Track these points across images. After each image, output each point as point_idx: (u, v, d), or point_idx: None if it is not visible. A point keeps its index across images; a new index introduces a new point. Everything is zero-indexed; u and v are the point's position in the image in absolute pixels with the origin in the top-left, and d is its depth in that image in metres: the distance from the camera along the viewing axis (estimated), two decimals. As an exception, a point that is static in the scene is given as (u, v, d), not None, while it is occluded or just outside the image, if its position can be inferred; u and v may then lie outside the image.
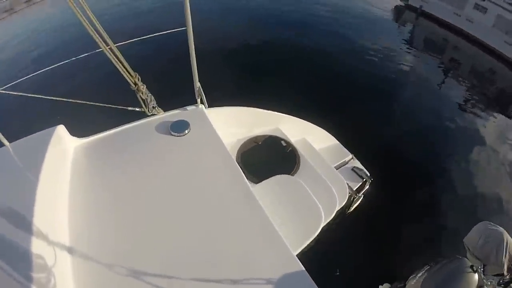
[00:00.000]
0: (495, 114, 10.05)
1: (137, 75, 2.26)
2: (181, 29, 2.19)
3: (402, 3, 18.94)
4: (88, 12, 1.77)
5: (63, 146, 2.22)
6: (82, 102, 2.29)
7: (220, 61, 8.59)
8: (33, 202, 1.60)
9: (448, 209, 5.78)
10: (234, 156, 3.36)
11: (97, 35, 1.82)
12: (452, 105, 9.87)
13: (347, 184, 3.58)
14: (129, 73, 2.18)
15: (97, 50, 2.01)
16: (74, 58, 2.41)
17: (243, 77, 8.22)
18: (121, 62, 2.09)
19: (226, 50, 9.74)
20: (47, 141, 2.05)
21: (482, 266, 2.25)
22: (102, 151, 2.34)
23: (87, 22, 1.74)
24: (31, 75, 2.31)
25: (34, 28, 15.14)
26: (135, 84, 2.26)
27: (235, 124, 3.50)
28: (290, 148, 3.54)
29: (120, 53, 2.07)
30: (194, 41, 2.21)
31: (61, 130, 2.24)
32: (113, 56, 2.00)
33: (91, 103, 2.32)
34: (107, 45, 1.94)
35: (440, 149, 7.48)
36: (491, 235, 2.23)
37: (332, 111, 7.21)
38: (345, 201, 3.35)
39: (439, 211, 5.71)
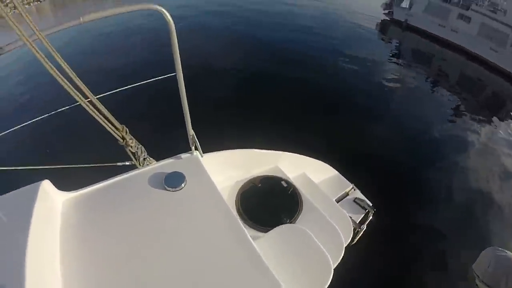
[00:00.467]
0: (488, 118, 10.28)
1: (125, 127, 2.11)
2: (170, 75, 2.09)
3: (387, 18, 19.27)
4: (61, 62, 1.69)
5: (51, 203, 2.05)
6: (63, 166, 2.23)
7: (211, 102, 8.40)
8: (22, 269, 1.47)
9: (452, 230, 5.80)
10: (233, 200, 3.34)
11: (71, 88, 1.71)
12: (445, 115, 10.03)
13: (350, 217, 3.51)
14: (115, 127, 2.06)
15: (75, 104, 1.89)
16: (53, 112, 2.27)
17: (235, 116, 7.97)
18: (104, 116, 1.95)
19: (214, 88, 9.40)
20: (32, 198, 1.84)
21: None
22: (93, 207, 2.18)
23: (58, 74, 1.64)
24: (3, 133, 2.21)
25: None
26: (123, 138, 2.13)
27: (232, 167, 3.45)
28: (292, 189, 3.41)
29: (103, 105, 1.94)
30: (185, 86, 2.14)
31: (46, 185, 2.03)
32: (93, 110, 1.87)
33: (75, 165, 2.25)
34: (86, 98, 1.83)
35: (438, 163, 7.51)
36: (500, 261, 2.20)
37: (328, 140, 7.21)
38: (350, 238, 3.28)
39: (443, 235, 5.71)
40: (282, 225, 2.73)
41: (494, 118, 10.42)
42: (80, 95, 1.75)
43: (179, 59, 1.91)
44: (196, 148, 2.58)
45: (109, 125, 2.00)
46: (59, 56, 1.67)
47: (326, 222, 3.10)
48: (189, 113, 2.37)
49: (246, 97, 8.95)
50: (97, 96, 1.94)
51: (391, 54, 14.72)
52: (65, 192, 2.20)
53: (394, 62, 13.61)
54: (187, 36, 12.76)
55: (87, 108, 1.82)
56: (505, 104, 12.42)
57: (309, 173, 4.01)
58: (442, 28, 16.67)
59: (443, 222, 5.92)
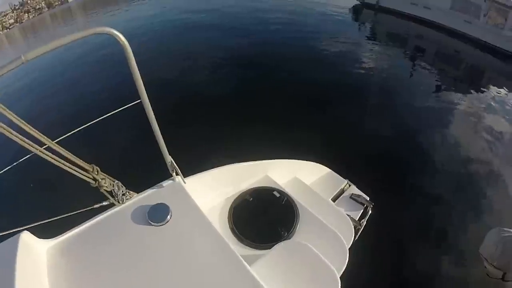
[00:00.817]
0: (469, 88, 10.29)
1: (95, 167, 1.90)
2: (135, 103, 1.91)
3: (358, 2, 19.22)
4: (4, 112, 1.43)
5: (34, 254, 1.93)
6: (36, 224, 1.97)
7: (186, 118, 7.99)
8: None
9: (452, 207, 5.68)
10: (225, 218, 3.10)
11: (21, 138, 1.47)
12: (426, 91, 9.97)
13: (349, 216, 3.33)
14: (83, 169, 1.83)
15: (29, 155, 1.64)
16: (7, 168, 2.01)
17: (216, 128, 7.54)
18: (68, 159, 1.72)
19: (185, 103, 8.85)
20: (13, 253, 1.73)
21: (502, 275, 2.05)
22: (78, 252, 2.06)
23: (2, 126, 1.39)
24: None
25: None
26: (95, 180, 1.89)
27: (220, 185, 3.23)
28: (285, 199, 3.20)
29: (65, 149, 1.71)
30: (153, 111, 1.93)
31: (26, 236, 1.93)
32: (52, 157, 1.62)
33: (47, 220, 1.97)
34: (43, 144, 1.60)
35: (426, 146, 7.32)
36: (507, 242, 2.04)
37: (314, 136, 6.98)
38: (352, 240, 3.07)
39: (444, 223, 5.51)
40: (281, 243, 2.54)
41: (475, 87, 10.40)
42: (33, 144, 1.52)
43: (142, 84, 1.73)
44: (177, 174, 2.44)
45: (76, 168, 1.77)
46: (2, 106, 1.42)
47: (326, 228, 2.90)
48: (164, 137, 2.15)
49: (220, 104, 8.50)
50: (57, 140, 1.72)
51: (367, 38, 14.67)
52: (47, 240, 2.06)
53: (371, 45, 13.57)
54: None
55: (45, 156, 1.59)
56: (484, 72, 12.51)
57: (301, 176, 3.80)
58: (414, 6, 16.59)
59: (442, 202, 5.78)
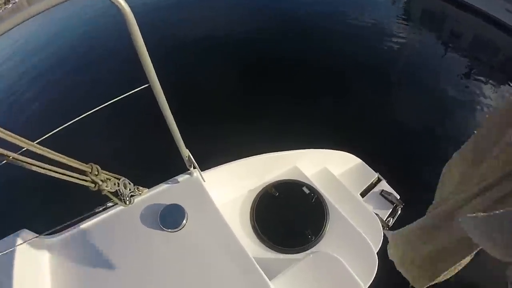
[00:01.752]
0: (503, 82, 9.78)
1: (94, 166, 1.52)
2: (142, 87, 1.52)
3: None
4: None
5: (34, 252, 1.79)
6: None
7: (204, 107, 7.32)
8: None
9: None
10: (247, 215, 2.85)
11: None
12: (457, 80, 9.47)
13: (378, 216, 3.15)
14: (78, 171, 1.46)
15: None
16: None
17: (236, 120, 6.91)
18: (59, 162, 1.35)
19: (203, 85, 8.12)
20: (12, 251, 1.61)
21: None
22: (81, 250, 1.88)
23: None
24: None
25: None
26: (94, 183, 1.53)
27: (244, 178, 2.99)
28: (315, 197, 2.95)
29: (51, 150, 1.32)
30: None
31: (25, 234, 1.79)
32: (30, 162, 1.23)
33: (42, 236, 1.80)
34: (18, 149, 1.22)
35: (454, 132, 7.07)
36: None
37: (343, 123, 6.75)
38: (380, 243, 2.87)
39: None
40: (310, 256, 2.29)
41: (508, 82, 9.84)
42: (5, 152, 1.13)
43: (151, 65, 1.40)
44: (195, 168, 2.23)
45: (68, 172, 1.36)
46: None
47: (356, 234, 2.69)
48: (180, 128, 1.86)
49: (240, 92, 7.83)
50: (38, 140, 1.32)
51: (398, 15, 13.81)
52: (48, 236, 1.92)
53: (403, 24, 12.78)
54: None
55: (21, 163, 1.20)
56: (521, 67, 11.71)
57: (330, 166, 3.58)
58: (454, -13, 15.66)
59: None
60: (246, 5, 12.91)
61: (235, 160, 2.81)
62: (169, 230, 1.91)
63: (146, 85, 1.49)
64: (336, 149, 3.64)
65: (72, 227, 1.98)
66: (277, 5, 12.78)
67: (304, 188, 3.02)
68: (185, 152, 2.05)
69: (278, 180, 3.12)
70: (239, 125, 6.48)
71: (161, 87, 1.53)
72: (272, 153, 3.00)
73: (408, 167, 5.75)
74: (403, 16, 13.72)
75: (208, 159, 2.58)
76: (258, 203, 2.93)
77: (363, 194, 3.60)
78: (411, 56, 10.26)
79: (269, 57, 9.29)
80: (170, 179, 2.22)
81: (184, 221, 1.95)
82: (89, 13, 13.93)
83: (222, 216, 2.03)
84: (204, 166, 2.43)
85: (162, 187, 2.18)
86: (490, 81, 9.56)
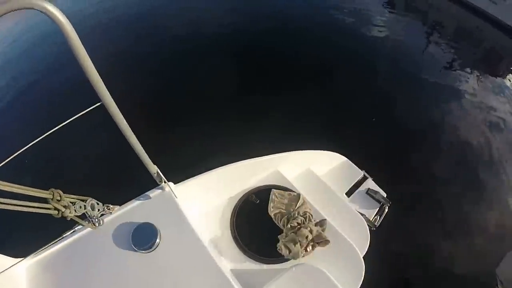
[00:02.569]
0: (485, 72, 9.97)
1: (55, 191, 1.40)
2: (94, 106, 1.38)
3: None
4: None
5: (9, 274, 1.68)
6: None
7: (178, 114, 6.83)
8: None
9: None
10: (228, 224, 2.74)
11: None
12: (440, 69, 9.60)
13: (364, 216, 3.09)
14: (38, 199, 1.35)
15: None
16: None
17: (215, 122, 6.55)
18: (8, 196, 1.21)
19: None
20: None
21: None
22: (51, 275, 1.79)
23: None
24: None
25: None
26: (57, 210, 1.41)
27: (224, 186, 2.87)
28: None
29: (4, 182, 1.22)
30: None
31: None
32: None
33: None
34: None
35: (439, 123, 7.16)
36: None
37: (324, 120, 6.60)
38: (367, 246, 2.83)
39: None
40: (293, 268, 2.21)
41: (492, 72, 10.06)
42: None
43: (101, 81, 1.26)
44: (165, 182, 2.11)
45: (26, 203, 1.25)
46: None
47: (342, 240, 2.64)
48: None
49: (217, 93, 7.30)
50: None
51: (383, 4, 13.84)
52: (21, 259, 1.84)
53: (387, 12, 12.87)
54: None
55: None
56: (503, 58, 11.92)
57: (315, 167, 3.49)
58: (437, -24, 15.67)
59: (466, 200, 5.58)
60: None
61: (215, 168, 2.70)
62: (142, 251, 1.84)
63: (98, 103, 1.36)
64: (322, 149, 3.58)
65: (41, 252, 1.89)
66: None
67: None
68: (153, 169, 1.94)
69: (259, 186, 3.00)
70: (216, 130, 6.25)
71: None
72: (252, 158, 2.89)
73: (395, 164, 5.81)
74: (388, 4, 13.75)
75: (186, 169, 2.50)
76: (238, 212, 2.82)
77: (349, 193, 3.55)
78: (396, 49, 10.30)
79: (245, 58, 8.87)
80: (142, 195, 2.14)
81: (157, 240, 1.88)
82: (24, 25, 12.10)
83: (197, 234, 1.95)
84: (181, 177, 2.35)
85: (134, 204, 2.09)
86: (475, 72, 9.72)
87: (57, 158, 5.74)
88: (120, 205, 2.07)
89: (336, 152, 3.76)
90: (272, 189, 2.92)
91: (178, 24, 10.09)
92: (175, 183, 2.33)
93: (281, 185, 3.00)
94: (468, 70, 9.74)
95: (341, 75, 8.14)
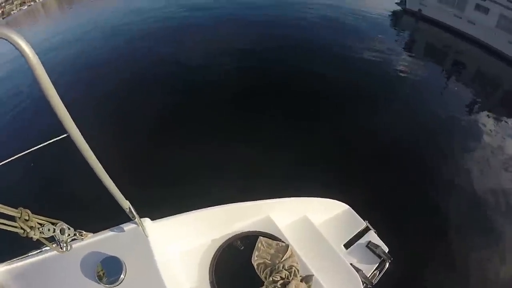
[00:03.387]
0: (505, 116, 9.56)
1: (23, 211, 1.39)
2: (60, 137, 1.31)
3: (399, 8, 18.39)
4: None
5: None
6: None
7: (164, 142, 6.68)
8: None
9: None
10: (207, 269, 2.54)
11: None
12: (459, 112, 9.32)
13: (361, 272, 2.87)
14: (7, 217, 1.33)
15: None
16: None
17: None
18: None
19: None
20: None
21: None
22: None
23: None
24: None
25: None
26: (24, 230, 1.39)
27: (207, 228, 2.72)
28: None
29: None
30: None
31: None
32: None
33: None
34: None
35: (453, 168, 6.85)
36: None
37: (334, 167, 6.25)
38: None
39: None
40: None
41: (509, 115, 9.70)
42: None
43: (66, 112, 1.21)
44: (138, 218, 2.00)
45: None
46: None
47: None
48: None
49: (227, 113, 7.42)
50: None
51: (404, 46, 13.99)
52: None
53: (407, 54, 12.86)
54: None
55: None
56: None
57: (312, 215, 3.25)
58: (458, 19, 15.74)
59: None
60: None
61: (202, 208, 2.59)
62: (106, 284, 1.78)
63: (65, 135, 1.30)
64: (324, 195, 3.37)
65: (4, 265, 1.83)
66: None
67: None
68: (125, 204, 1.85)
69: (246, 232, 2.82)
70: (212, 171, 6.04)
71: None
72: (243, 202, 2.77)
73: (401, 216, 5.47)
74: (407, 47, 13.81)
75: (179, 207, 2.45)
76: (220, 256, 2.62)
77: (348, 245, 3.29)
78: (411, 85, 10.26)
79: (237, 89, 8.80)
80: (116, 227, 2.06)
81: (122, 276, 1.80)
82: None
83: (161, 277, 1.87)
84: (171, 213, 2.33)
85: (106, 234, 2.02)
86: (493, 114, 9.46)
87: (43, 177, 5.86)
88: (94, 232, 2.00)
89: (339, 199, 3.52)
90: (260, 237, 2.71)
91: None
92: (155, 219, 2.25)
93: (270, 233, 2.80)
94: (487, 112, 9.51)
95: (355, 114, 8.07)
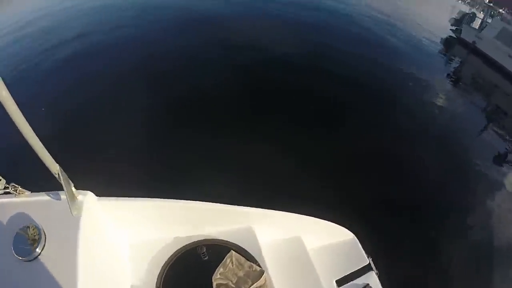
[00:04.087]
0: None
1: None
2: None
3: (454, 35, 17.56)
4: None
5: None
6: None
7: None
8: None
9: None
10: (155, 275, 2.04)
11: None
12: (495, 159, 8.49)
13: None
14: None
15: None
16: None
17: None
18: None
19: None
20: None
21: None
22: None
23: None
24: None
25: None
26: None
27: (171, 223, 2.21)
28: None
29: None
30: None
31: None
32: None
33: None
34: None
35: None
36: None
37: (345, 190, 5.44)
38: None
39: None
40: None
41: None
42: None
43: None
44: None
45: None
46: None
47: None
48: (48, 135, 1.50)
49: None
50: None
51: (449, 75, 13.22)
52: None
53: (450, 85, 12.14)
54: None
55: None
56: None
57: (307, 237, 2.66)
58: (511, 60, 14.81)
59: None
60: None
61: (171, 199, 2.06)
62: (16, 254, 1.46)
63: None
64: (328, 217, 2.69)
65: None
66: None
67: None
68: (54, 168, 1.48)
69: (218, 240, 2.28)
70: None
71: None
72: (224, 204, 2.20)
73: (417, 262, 4.71)
74: (452, 77, 12.99)
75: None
76: (176, 261, 2.13)
77: (340, 282, 2.57)
78: (449, 119, 9.48)
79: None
80: (52, 192, 1.66)
81: (38, 250, 1.48)
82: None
83: (84, 264, 1.46)
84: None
85: (42, 198, 1.64)
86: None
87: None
88: (31, 191, 1.64)
89: (345, 225, 2.82)
90: (232, 251, 2.13)
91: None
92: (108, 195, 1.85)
93: (246, 249, 2.23)
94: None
95: (380, 133, 7.43)
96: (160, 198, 2.02)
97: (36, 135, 1.31)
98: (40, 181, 1.60)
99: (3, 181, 1.51)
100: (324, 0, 16.40)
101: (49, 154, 1.42)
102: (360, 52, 11.40)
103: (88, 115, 6.34)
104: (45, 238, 1.52)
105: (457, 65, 15.27)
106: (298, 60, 9.80)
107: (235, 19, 12.17)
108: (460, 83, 12.93)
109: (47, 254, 1.49)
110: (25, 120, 1.23)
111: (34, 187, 1.67)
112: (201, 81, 7.94)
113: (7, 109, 1.14)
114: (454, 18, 18.18)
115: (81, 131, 5.91)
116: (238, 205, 2.25)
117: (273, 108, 7.32)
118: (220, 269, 2.03)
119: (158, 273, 2.03)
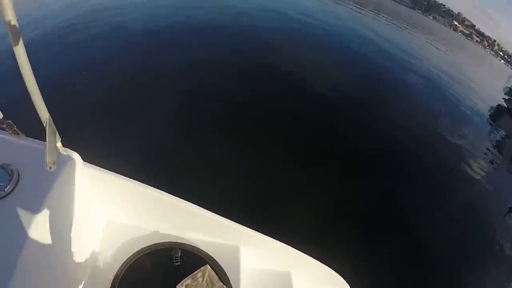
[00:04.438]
0: None
1: None
2: None
3: (505, 105, 16.94)
4: None
5: None
6: None
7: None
8: None
9: None
10: (116, 266, 1.81)
11: None
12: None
13: None
14: None
15: None
16: None
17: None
18: None
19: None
20: None
21: None
22: None
23: None
24: None
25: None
26: None
27: (153, 214, 2.03)
28: None
29: None
30: None
31: None
32: None
33: None
34: None
35: None
36: None
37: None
38: None
39: None
40: None
41: None
42: None
43: None
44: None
45: None
46: None
47: None
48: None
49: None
50: None
51: (491, 144, 12.73)
52: None
53: (489, 155, 11.53)
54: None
55: None
56: None
57: (298, 276, 2.39)
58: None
59: None
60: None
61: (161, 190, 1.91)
62: None
63: None
64: (328, 261, 2.47)
65: None
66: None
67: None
68: (44, 115, 1.40)
69: (197, 248, 2.01)
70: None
71: None
72: (217, 215, 1.94)
73: None
74: (493, 147, 12.48)
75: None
76: (144, 256, 1.88)
77: None
78: (479, 192, 8.91)
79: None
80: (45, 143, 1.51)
81: (8, 187, 1.35)
82: None
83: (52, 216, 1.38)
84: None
85: (26, 142, 1.51)
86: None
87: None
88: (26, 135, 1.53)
89: (339, 272, 2.60)
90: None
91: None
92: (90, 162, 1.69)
93: (224, 269, 1.94)
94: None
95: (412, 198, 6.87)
96: (152, 187, 1.87)
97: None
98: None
99: (2, 116, 1.49)
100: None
101: (42, 100, 1.36)
102: (403, 108, 11.16)
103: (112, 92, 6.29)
104: (18, 181, 1.41)
105: (502, 135, 14.75)
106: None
107: (239, 28, 12.21)
108: (500, 155, 12.36)
109: (16, 198, 1.36)
110: (26, 56, 1.16)
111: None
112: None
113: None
114: (509, 88, 17.64)
115: (98, 105, 5.84)
116: (229, 218, 2.03)
117: (281, 128, 7.00)
118: (188, 280, 1.82)
119: (124, 260, 1.84)
